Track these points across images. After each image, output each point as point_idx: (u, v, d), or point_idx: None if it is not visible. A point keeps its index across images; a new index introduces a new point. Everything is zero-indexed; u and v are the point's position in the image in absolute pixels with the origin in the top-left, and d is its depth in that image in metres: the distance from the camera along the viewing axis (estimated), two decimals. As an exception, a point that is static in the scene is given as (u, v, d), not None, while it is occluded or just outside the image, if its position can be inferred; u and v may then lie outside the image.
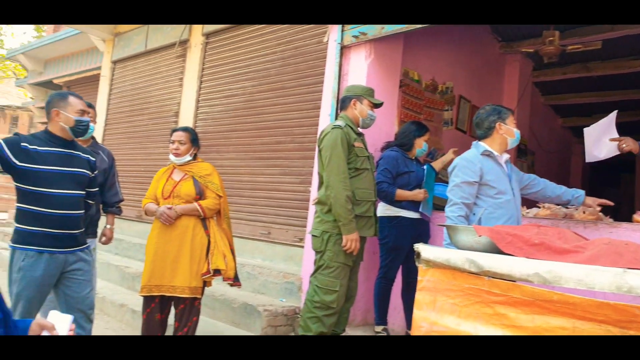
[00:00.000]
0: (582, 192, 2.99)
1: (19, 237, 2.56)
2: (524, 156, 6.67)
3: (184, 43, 6.51)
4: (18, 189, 2.58)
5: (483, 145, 2.83)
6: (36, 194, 2.55)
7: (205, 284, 3.32)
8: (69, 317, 1.47)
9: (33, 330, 1.43)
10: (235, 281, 3.37)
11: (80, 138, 3.04)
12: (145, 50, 7.15)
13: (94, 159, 2.89)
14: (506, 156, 2.88)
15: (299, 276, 4.22)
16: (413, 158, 3.83)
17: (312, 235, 3.20)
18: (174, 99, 6.57)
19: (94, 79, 8.66)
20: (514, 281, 1.62)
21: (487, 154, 2.80)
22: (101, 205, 3.60)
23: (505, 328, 1.52)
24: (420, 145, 3.79)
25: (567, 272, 1.46)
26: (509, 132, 2.82)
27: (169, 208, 3.23)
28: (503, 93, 6.43)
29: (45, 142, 2.63)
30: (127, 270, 5.26)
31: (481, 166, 2.74)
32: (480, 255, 1.61)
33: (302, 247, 4.41)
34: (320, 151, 3.17)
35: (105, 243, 3.58)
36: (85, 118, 2.73)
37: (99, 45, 8.05)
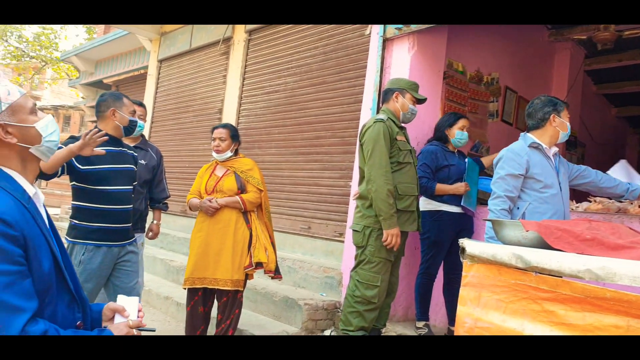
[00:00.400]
0: (637, 185, 2.83)
1: (78, 233, 2.69)
2: (573, 148, 6.40)
3: (227, 40, 6.61)
4: (77, 187, 2.71)
5: (531, 137, 2.74)
6: (95, 191, 2.69)
7: (247, 277, 3.37)
8: (135, 300, 1.53)
9: (105, 315, 1.50)
10: (276, 274, 3.42)
11: (129, 136, 3.22)
12: (189, 49, 7.32)
13: (136, 154, 3.03)
14: (555, 149, 2.77)
15: (339, 271, 4.22)
16: (455, 151, 3.74)
17: (353, 230, 3.19)
18: (218, 96, 6.69)
19: (141, 78, 8.96)
20: (564, 278, 1.56)
21: (535, 146, 2.71)
22: (148, 201, 3.74)
23: (554, 325, 1.46)
24: (454, 135, 3.69)
25: (622, 269, 1.39)
26: (562, 126, 2.72)
27: (210, 200, 3.32)
28: (552, 83, 6.18)
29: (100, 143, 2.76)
30: (172, 263, 5.42)
31: (528, 159, 2.65)
32: (528, 250, 1.56)
33: (343, 241, 4.41)
34: (362, 145, 3.15)
35: (152, 238, 3.70)
36: (136, 118, 2.90)
37: (146, 44, 8.31)
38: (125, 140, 3.53)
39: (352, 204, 3.97)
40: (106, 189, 2.71)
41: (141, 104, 3.59)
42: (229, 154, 3.45)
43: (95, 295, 2.81)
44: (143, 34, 8.11)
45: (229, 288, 3.24)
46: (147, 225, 3.70)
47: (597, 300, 1.42)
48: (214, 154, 3.46)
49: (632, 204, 3.05)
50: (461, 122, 3.70)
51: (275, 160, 5.57)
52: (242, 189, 3.38)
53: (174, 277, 5.27)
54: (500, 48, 5.33)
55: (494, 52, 5.25)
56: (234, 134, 3.47)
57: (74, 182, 2.72)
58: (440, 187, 3.55)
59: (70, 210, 2.81)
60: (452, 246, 3.57)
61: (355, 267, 3.16)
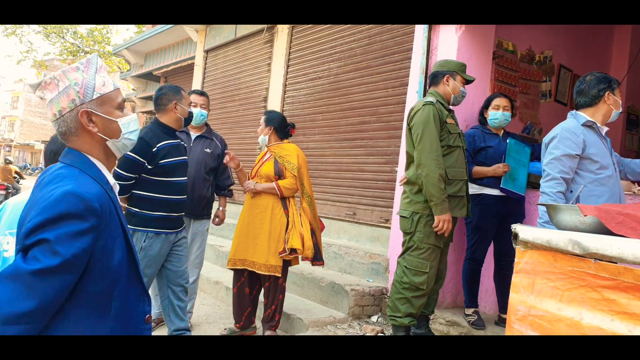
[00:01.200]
0: None
1: (140, 220, 2.81)
2: (634, 127, 6.04)
3: (271, 29, 6.64)
4: (141, 179, 2.82)
5: (584, 115, 2.60)
6: (160, 183, 2.82)
7: (290, 262, 3.42)
8: None
9: None
10: (314, 260, 3.43)
11: (195, 125, 3.55)
12: (235, 38, 7.40)
13: (184, 144, 3.11)
14: (606, 129, 2.63)
15: (385, 257, 4.20)
16: (499, 133, 3.63)
17: (401, 216, 3.15)
18: (263, 84, 6.75)
19: (189, 69, 9.15)
20: (626, 264, 1.48)
21: (590, 125, 2.57)
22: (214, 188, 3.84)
23: (615, 315, 1.39)
24: (489, 116, 3.58)
25: (691, 255, 1.30)
26: (616, 104, 2.60)
27: (249, 182, 3.44)
28: (612, 59, 5.83)
29: (162, 136, 2.88)
30: (221, 249, 5.56)
31: (584, 138, 2.52)
32: (586, 236, 1.48)
33: (389, 227, 4.37)
34: (410, 129, 3.09)
35: (218, 224, 3.82)
36: (194, 109, 3.12)
37: (192, 35, 8.48)
38: (191, 130, 3.69)
39: (399, 189, 3.91)
40: (169, 180, 2.84)
41: (203, 93, 3.68)
42: (262, 137, 3.51)
43: (151, 281, 2.93)
44: (189, 26, 8.27)
45: (264, 272, 3.30)
46: (212, 212, 3.81)
47: (663, 289, 1.34)
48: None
49: (701, 186, 2.84)
50: (495, 102, 3.59)
51: (320, 146, 5.57)
52: (279, 174, 3.41)
53: (223, 262, 5.42)
54: (554, 25, 5.07)
55: (547, 29, 5.00)
56: (267, 119, 3.53)
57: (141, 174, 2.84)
58: (478, 170, 3.46)
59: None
60: (500, 231, 3.46)
61: (402, 254, 3.12)
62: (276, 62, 6.49)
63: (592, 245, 1.45)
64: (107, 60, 19.81)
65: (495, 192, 3.47)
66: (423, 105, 3.05)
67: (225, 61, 7.73)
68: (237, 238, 3.45)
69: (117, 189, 1.42)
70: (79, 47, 19.71)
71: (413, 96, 4.14)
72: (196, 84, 8.36)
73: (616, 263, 1.43)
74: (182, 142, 3.04)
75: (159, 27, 9.53)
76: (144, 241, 2.78)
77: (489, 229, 3.47)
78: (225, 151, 3.58)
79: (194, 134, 3.69)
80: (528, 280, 1.58)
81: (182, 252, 2.98)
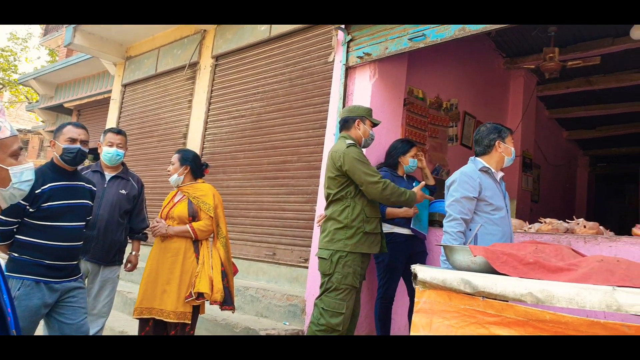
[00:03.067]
0: None
1: (16, 266, 2.54)
2: (529, 170, 6.67)
3: (193, 65, 6.65)
4: (23, 222, 2.56)
5: (481, 161, 2.88)
6: (42, 227, 2.56)
7: (198, 309, 3.31)
8: None
9: None
10: (224, 305, 3.30)
11: (111, 165, 3.29)
12: (155, 74, 7.31)
13: (95, 189, 2.92)
14: (501, 173, 2.93)
15: (303, 298, 4.22)
16: (403, 175, 3.86)
17: (320, 258, 3.20)
18: (183, 121, 6.69)
19: (104, 103, 8.85)
20: (509, 301, 1.65)
21: (485, 170, 2.85)
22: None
23: (501, 348, 1.55)
24: (407, 162, 3.82)
25: (559, 291, 1.49)
26: (507, 151, 2.88)
27: (158, 220, 3.31)
28: (508, 108, 6.48)
29: (51, 177, 2.65)
30: (129, 295, 5.22)
31: (480, 182, 2.78)
32: (475, 275, 1.64)
33: (307, 267, 4.43)
34: (340, 168, 3.16)
35: (130, 270, 3.59)
36: (74, 146, 2.72)
37: (110, 69, 8.25)
38: (106, 170, 3.47)
39: (318, 229, 4.01)
40: (53, 225, 2.59)
41: (120, 132, 3.50)
42: (175, 177, 3.43)
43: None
44: (107, 58, 8.06)
45: (173, 320, 3.15)
46: (125, 257, 3.59)
47: (539, 323, 1.52)
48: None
49: (578, 224, 3.22)
50: (414, 150, 3.85)
51: (241, 185, 5.58)
52: (194, 216, 3.34)
53: (130, 310, 5.12)
54: (459, 75, 5.57)
55: (453, 78, 5.48)
56: (183, 158, 3.46)
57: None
58: (391, 211, 3.64)
59: None
60: (409, 270, 3.64)
61: (320, 295, 3.16)
62: (198, 99, 6.48)
63: (480, 284, 1.61)
64: (12, 90, 18.59)
65: (405, 231, 3.67)
66: (347, 147, 3.18)
67: (145, 96, 7.58)
68: (144, 285, 3.28)
69: None
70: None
71: (331, 138, 4.33)
72: (112, 119, 8.09)
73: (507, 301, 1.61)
74: (86, 185, 2.83)
75: (74, 58, 9.19)
76: (18, 289, 2.50)
77: (399, 268, 3.65)
78: None
79: (108, 174, 3.49)
80: (426, 319, 1.71)
81: (77, 304, 2.70)
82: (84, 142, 2.81)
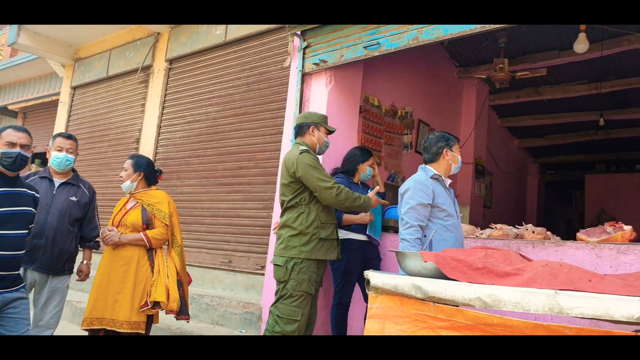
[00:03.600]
0: None
1: None
2: (481, 177, 6.87)
3: (146, 69, 6.48)
4: None
5: (431, 168, 2.93)
6: None
7: (152, 319, 3.23)
8: None
9: None
10: (180, 314, 3.25)
11: (61, 170, 3.18)
12: (107, 76, 7.09)
13: (38, 195, 2.79)
14: (449, 181, 2.99)
15: (259, 305, 4.17)
16: (358, 183, 3.89)
17: (275, 265, 3.17)
18: (135, 125, 6.50)
19: (52, 105, 8.49)
20: (458, 306, 1.67)
21: (436, 178, 2.90)
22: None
23: (451, 352, 1.56)
24: (365, 170, 3.85)
25: (506, 296, 1.52)
26: (454, 159, 2.95)
27: (110, 229, 3.19)
28: (461, 116, 6.65)
29: None
30: (79, 305, 5.04)
31: (433, 189, 2.82)
32: (425, 281, 1.66)
33: (264, 274, 4.38)
34: (293, 174, 3.13)
35: (82, 280, 3.42)
36: (13, 150, 2.59)
37: (57, 70, 7.93)
38: (55, 176, 3.31)
39: (274, 236, 3.96)
40: None
41: (70, 137, 3.34)
42: (128, 184, 3.33)
43: None
44: (55, 59, 7.74)
45: (126, 330, 3.07)
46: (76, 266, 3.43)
47: (487, 327, 1.54)
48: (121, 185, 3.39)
49: (527, 230, 3.32)
50: (372, 159, 3.89)
51: (196, 191, 5.46)
52: (147, 224, 3.26)
53: (79, 320, 4.93)
54: (414, 84, 5.67)
55: (408, 87, 5.58)
56: (137, 164, 3.36)
57: None
58: (347, 218, 3.65)
59: None
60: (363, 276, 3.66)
61: (275, 302, 3.12)
62: (151, 103, 6.32)
63: (430, 289, 1.62)
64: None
65: (361, 237, 3.69)
66: (300, 153, 3.16)
67: (95, 99, 7.32)
68: (94, 294, 3.16)
69: None
70: None
71: (287, 144, 4.30)
72: (60, 122, 7.77)
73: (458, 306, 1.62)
74: (28, 192, 2.70)
75: (18, 58, 8.77)
76: None
77: (355, 273, 3.65)
78: None
79: (57, 181, 3.31)
80: (379, 325, 1.71)
81: (19, 315, 2.59)
82: (25, 147, 2.66)
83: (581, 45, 4.52)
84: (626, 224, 3.04)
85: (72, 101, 7.69)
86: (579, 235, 3.09)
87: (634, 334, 1.41)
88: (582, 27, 4.52)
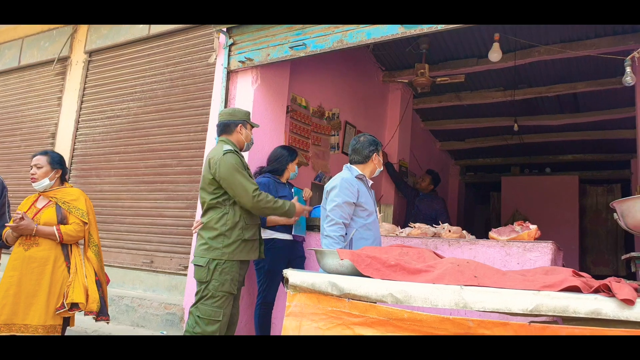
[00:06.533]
0: None
1: None
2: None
3: (63, 60, 6.11)
4: None
5: (356, 169, 3.01)
6: None
7: (68, 321, 3.08)
8: None
9: None
10: (100, 315, 3.12)
11: None
12: (18, 66, 6.62)
13: None
14: (371, 181, 3.11)
15: (181, 306, 4.08)
16: (286, 182, 3.90)
17: (196, 265, 3.09)
18: (52, 119, 6.10)
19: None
20: (376, 302, 1.72)
21: (361, 178, 2.98)
22: None
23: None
24: (294, 170, 3.88)
25: (416, 292, 1.59)
26: (379, 163, 3.11)
27: (21, 218, 2.95)
28: (386, 119, 6.84)
29: None
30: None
31: (358, 188, 2.90)
32: (341, 278, 1.69)
33: (186, 275, 4.28)
34: (213, 177, 3.08)
35: None
36: None
37: (-40, 57, 7.27)
38: None
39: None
40: None
41: None
42: (46, 182, 3.13)
43: None
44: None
45: (41, 334, 2.91)
46: None
47: (398, 322, 1.60)
48: (33, 183, 3.14)
49: (444, 229, 3.49)
50: (299, 158, 3.93)
51: (116, 189, 5.22)
52: (62, 222, 3.09)
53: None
54: (341, 86, 5.77)
55: (335, 89, 5.66)
56: (54, 161, 3.17)
57: None
58: (272, 219, 3.62)
59: None
60: None
61: (196, 303, 3.06)
62: (68, 96, 5.96)
63: (345, 286, 1.66)
64: None
65: (286, 236, 3.70)
66: (224, 153, 3.08)
67: (5, 90, 6.80)
68: (3, 299, 2.94)
69: None
70: None
71: (212, 142, 4.23)
72: (-36, 114, 7.13)
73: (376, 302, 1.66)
74: None
75: None
76: None
77: (279, 272, 3.64)
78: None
79: None
80: (296, 322, 1.72)
81: None
82: None
83: (495, 54, 4.81)
84: (537, 223, 3.29)
85: (-23, 91, 7.08)
86: (491, 234, 3.30)
87: (528, 325, 1.52)
88: (496, 37, 4.80)
